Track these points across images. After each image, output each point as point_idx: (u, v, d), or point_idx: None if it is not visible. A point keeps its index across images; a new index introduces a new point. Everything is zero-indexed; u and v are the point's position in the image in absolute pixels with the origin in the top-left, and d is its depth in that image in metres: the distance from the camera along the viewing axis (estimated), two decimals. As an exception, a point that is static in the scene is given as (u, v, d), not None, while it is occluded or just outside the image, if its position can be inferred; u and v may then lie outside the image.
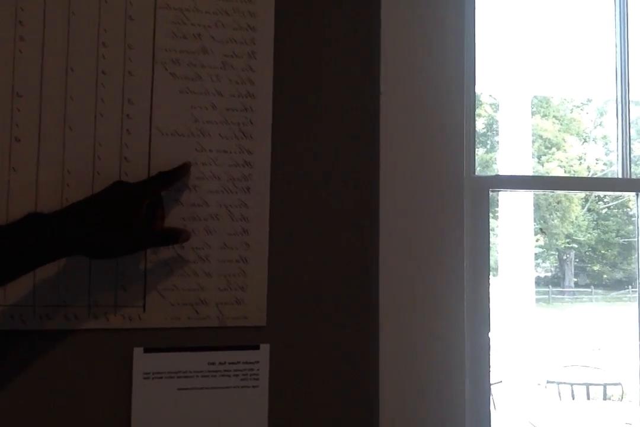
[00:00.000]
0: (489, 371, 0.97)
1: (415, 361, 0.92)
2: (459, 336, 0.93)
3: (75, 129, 0.85)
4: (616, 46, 1.24)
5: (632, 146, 1.23)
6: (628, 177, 1.15)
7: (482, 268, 0.96)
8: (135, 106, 0.87)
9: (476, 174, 0.99)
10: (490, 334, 0.97)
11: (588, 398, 4.63)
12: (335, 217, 0.93)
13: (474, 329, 0.96)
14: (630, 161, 1.18)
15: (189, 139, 0.88)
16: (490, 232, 0.99)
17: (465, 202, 0.95)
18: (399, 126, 0.93)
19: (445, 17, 0.97)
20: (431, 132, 0.94)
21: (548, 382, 5.08)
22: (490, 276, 1.00)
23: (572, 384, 4.73)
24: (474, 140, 1.00)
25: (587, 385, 4.66)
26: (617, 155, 1.20)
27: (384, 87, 0.94)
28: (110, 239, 0.73)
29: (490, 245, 0.98)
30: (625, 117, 1.23)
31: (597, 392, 4.75)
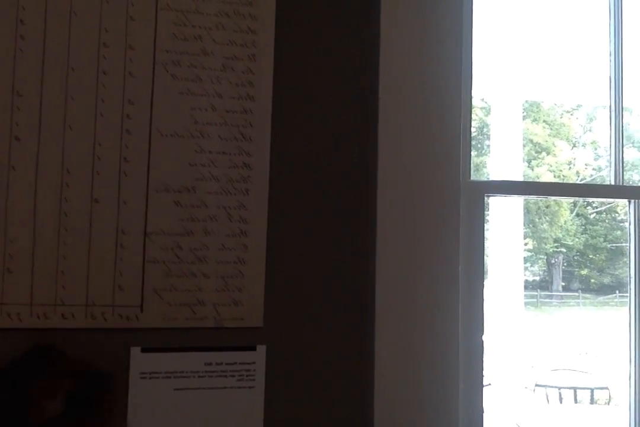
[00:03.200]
0: (482, 373, 0.98)
1: (411, 363, 0.92)
2: (453, 338, 0.94)
3: (75, 128, 0.85)
4: (610, 53, 1.26)
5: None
6: (621, 183, 1.16)
7: (476, 272, 0.97)
8: (135, 107, 0.87)
9: (470, 178, 1.00)
10: (484, 337, 0.98)
11: (575, 402, 4.66)
12: (333, 220, 0.93)
13: (468, 331, 0.96)
14: (622, 168, 1.20)
15: (189, 140, 0.88)
16: (484, 236, 1.00)
17: (461, 207, 0.96)
18: (396, 131, 0.94)
19: (444, 22, 0.98)
20: (428, 137, 0.95)
21: (536, 385, 5.10)
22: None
23: (559, 388, 4.76)
24: (470, 145, 1.01)
25: (575, 389, 4.68)
26: (610, 162, 1.22)
27: (382, 92, 0.94)
28: None
29: (484, 249, 0.99)
30: (619, 124, 1.24)
31: (584, 396, 4.78)
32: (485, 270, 1.03)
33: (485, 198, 1.01)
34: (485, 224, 1.01)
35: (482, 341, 0.98)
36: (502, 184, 1.02)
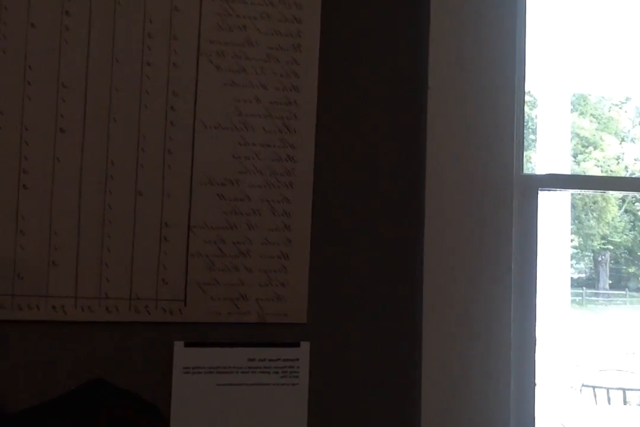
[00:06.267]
0: (534, 374, 0.94)
1: (459, 360, 0.89)
2: (504, 336, 0.90)
3: (120, 120, 0.84)
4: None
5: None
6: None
7: (529, 270, 0.93)
8: (179, 98, 0.86)
9: (523, 172, 0.96)
10: (536, 335, 0.94)
11: (625, 403, 4.53)
12: (380, 214, 0.91)
13: (520, 330, 0.93)
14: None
15: (233, 132, 0.87)
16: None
17: (513, 202, 0.92)
18: (446, 122, 0.91)
19: (497, 10, 0.94)
20: (480, 128, 0.91)
21: (583, 386, 4.99)
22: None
23: (608, 389, 4.64)
24: (523, 137, 0.97)
25: (624, 390, 4.56)
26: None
27: (432, 82, 0.91)
28: None
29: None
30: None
31: (634, 397, 4.65)
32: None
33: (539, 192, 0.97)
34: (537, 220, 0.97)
35: (535, 340, 0.95)
36: (557, 178, 0.98)
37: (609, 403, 4.61)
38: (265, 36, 0.89)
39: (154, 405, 0.72)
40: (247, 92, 0.88)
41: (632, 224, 17.27)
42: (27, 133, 0.82)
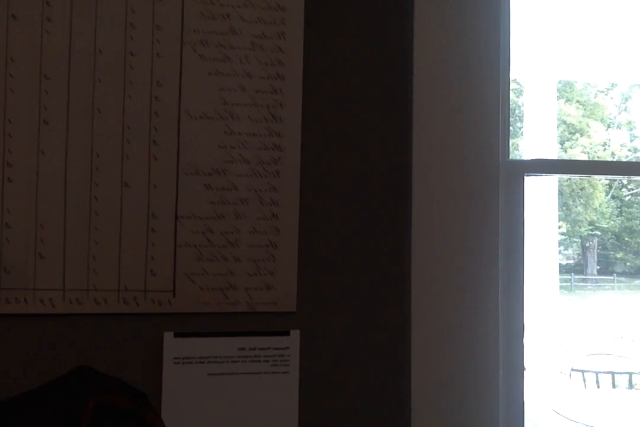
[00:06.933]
0: (523, 359, 0.95)
1: (449, 346, 0.90)
2: (493, 322, 0.91)
3: (104, 111, 0.84)
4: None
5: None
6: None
7: (516, 254, 0.93)
8: (163, 88, 0.85)
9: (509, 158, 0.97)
10: (525, 321, 0.95)
11: (613, 387, 4.58)
12: (367, 201, 0.91)
13: (509, 316, 0.94)
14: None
15: (218, 121, 0.87)
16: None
17: (499, 187, 0.93)
18: (432, 109, 0.91)
19: (480, -5, 0.94)
20: (465, 115, 0.91)
21: (572, 370, 5.04)
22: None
23: (597, 373, 4.69)
24: (509, 123, 0.97)
25: (613, 373, 4.61)
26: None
27: (417, 70, 0.91)
28: None
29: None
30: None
31: (622, 380, 4.70)
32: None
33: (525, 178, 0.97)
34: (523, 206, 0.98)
35: (523, 326, 0.95)
36: (543, 163, 0.98)
37: (598, 387, 4.66)
38: (249, 24, 0.88)
39: (139, 390, 0.71)
40: (231, 81, 0.87)
41: (619, 209, 17.40)
42: (10, 126, 0.81)
